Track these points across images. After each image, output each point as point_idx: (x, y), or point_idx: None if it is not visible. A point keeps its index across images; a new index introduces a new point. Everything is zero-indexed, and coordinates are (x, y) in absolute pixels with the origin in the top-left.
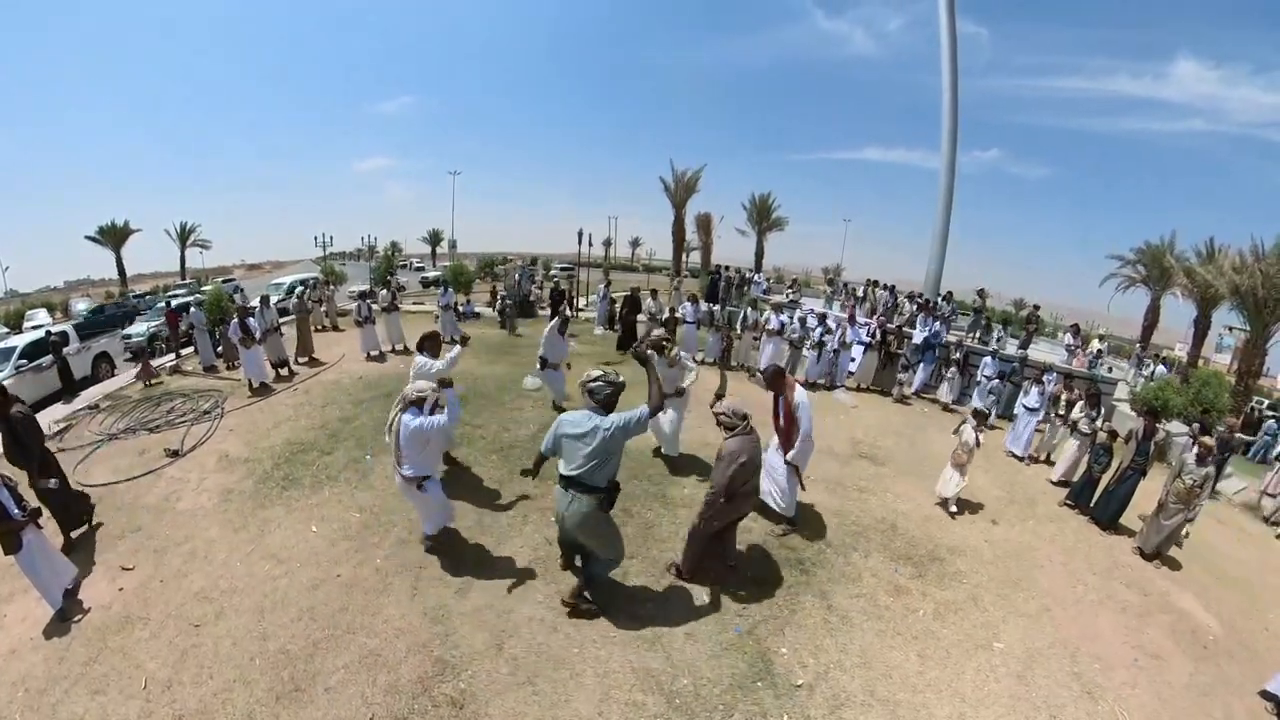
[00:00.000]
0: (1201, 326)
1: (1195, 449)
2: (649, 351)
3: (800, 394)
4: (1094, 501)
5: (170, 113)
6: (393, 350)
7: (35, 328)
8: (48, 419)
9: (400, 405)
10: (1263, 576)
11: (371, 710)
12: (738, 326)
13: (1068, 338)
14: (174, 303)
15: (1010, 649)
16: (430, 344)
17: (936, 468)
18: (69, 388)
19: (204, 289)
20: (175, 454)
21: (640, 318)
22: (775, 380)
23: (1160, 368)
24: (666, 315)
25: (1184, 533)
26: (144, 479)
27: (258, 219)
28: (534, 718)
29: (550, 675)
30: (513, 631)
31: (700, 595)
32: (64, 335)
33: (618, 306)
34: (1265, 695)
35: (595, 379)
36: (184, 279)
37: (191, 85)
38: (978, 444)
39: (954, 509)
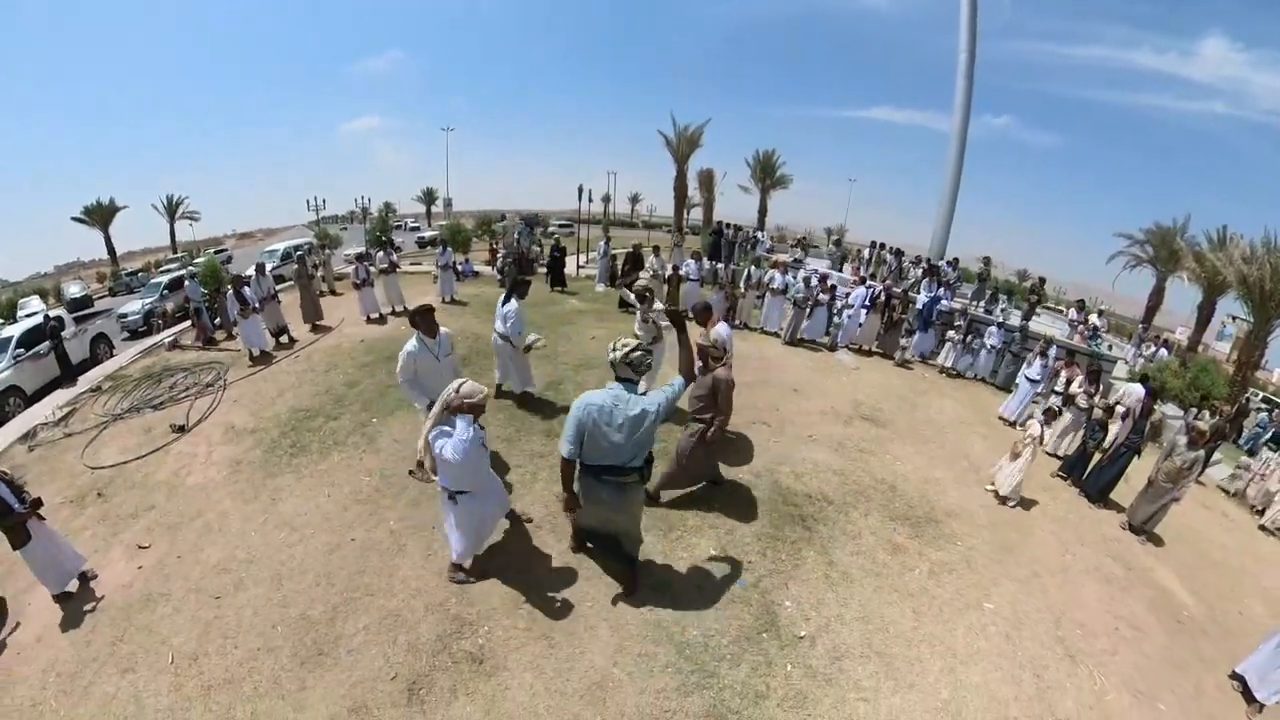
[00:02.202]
0: (1205, 313)
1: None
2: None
3: (722, 328)
4: (1086, 475)
5: (147, 86)
6: (393, 312)
7: (30, 315)
8: (51, 405)
9: (439, 417)
10: (1242, 561)
11: (394, 669)
12: (741, 284)
13: (1071, 313)
14: (190, 270)
15: (1000, 610)
16: (424, 320)
17: (937, 432)
18: (67, 372)
19: (196, 261)
20: (181, 429)
21: (643, 274)
22: (702, 315)
23: (1162, 350)
24: (669, 273)
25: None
26: (152, 456)
27: (246, 187)
28: (551, 670)
29: (566, 628)
30: (528, 587)
31: (707, 550)
32: (60, 320)
33: (619, 263)
34: (1234, 676)
35: (635, 349)
36: (175, 253)
37: (166, 55)
38: (1042, 440)
39: (1012, 503)
